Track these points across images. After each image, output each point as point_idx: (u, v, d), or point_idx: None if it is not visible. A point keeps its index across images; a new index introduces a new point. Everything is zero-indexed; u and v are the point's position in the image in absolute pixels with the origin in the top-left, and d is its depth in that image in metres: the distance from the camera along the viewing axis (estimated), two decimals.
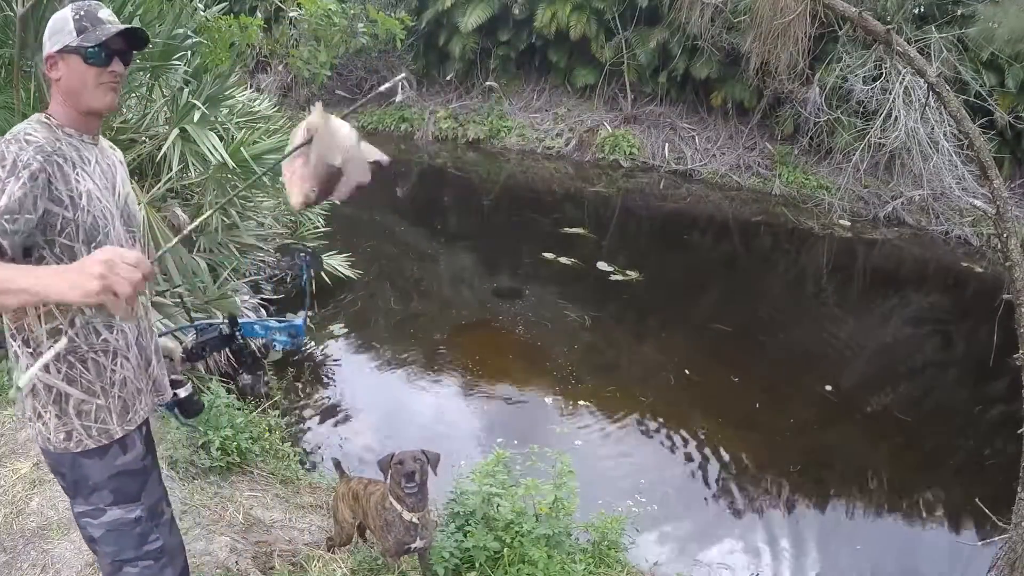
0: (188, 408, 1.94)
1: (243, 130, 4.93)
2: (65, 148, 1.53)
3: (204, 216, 1.59)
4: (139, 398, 1.72)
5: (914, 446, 5.27)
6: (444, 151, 13.26)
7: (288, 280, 6.24)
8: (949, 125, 9.20)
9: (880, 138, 9.58)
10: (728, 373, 5.99)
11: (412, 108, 14.00)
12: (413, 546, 2.54)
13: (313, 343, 5.94)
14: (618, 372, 6.09)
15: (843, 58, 10.04)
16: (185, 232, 1.52)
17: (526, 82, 14.09)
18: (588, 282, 7.78)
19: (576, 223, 9.88)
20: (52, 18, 1.56)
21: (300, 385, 5.31)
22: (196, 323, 2.06)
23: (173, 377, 1.91)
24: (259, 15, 9.90)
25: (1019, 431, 3.38)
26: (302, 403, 5.14)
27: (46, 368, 1.55)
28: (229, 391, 3.85)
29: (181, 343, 2.08)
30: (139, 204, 2.60)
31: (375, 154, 1.39)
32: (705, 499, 4.57)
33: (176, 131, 4.35)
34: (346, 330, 6.29)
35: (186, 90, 4.56)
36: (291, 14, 8.69)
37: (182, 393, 1.90)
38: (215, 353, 3.03)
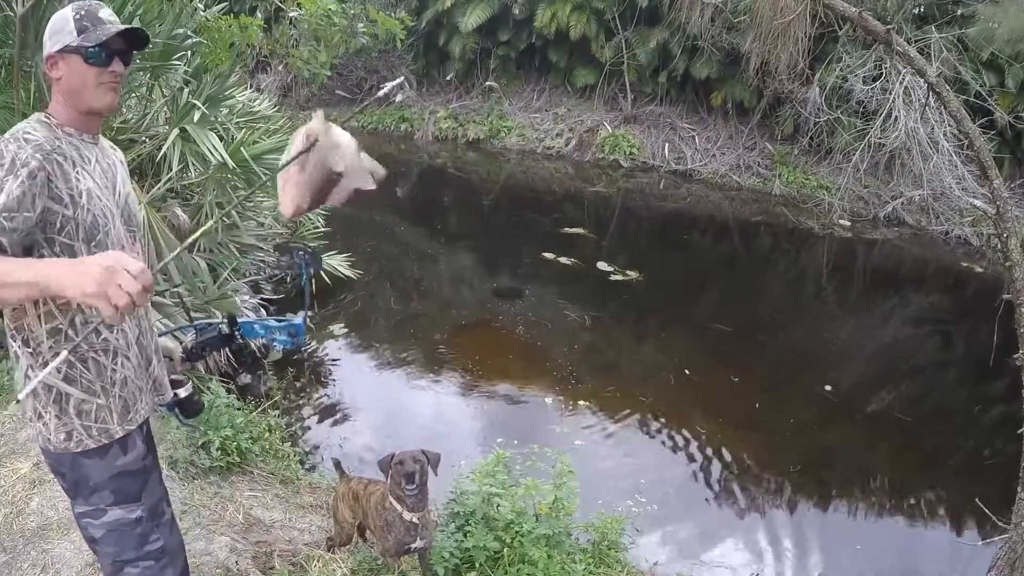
0: (188, 408, 1.94)
1: (243, 130, 4.94)
2: (65, 147, 1.53)
3: (207, 226, 1.59)
4: (140, 397, 1.72)
5: (914, 446, 5.27)
6: (444, 151, 13.26)
7: (288, 280, 6.25)
8: (949, 125, 9.20)
9: (880, 138, 9.57)
10: (728, 373, 5.99)
11: (412, 108, 14.01)
12: (413, 546, 2.54)
13: (313, 343, 5.94)
14: (618, 372, 6.09)
15: (843, 58, 10.04)
16: (188, 242, 1.52)
17: (526, 82, 14.09)
18: (588, 282, 7.78)
19: (576, 223, 9.88)
20: (53, 18, 1.56)
21: (300, 385, 5.31)
22: (195, 323, 2.05)
23: (173, 377, 1.91)
24: (259, 15, 9.90)
25: (1019, 431, 3.38)
26: (302, 403, 5.13)
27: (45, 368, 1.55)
28: (229, 391, 3.85)
29: (181, 343, 2.08)
30: (139, 204, 2.60)
31: (373, 167, 1.39)
32: (705, 499, 4.57)
33: (176, 131, 4.35)
34: (346, 330, 6.29)
35: (186, 90, 4.57)
36: (291, 14, 8.69)
37: (182, 393, 1.90)
38: (215, 353, 3.03)
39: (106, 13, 1.56)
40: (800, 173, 11.31)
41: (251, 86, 10.49)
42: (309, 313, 5.55)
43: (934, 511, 4.63)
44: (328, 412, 5.08)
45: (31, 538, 2.70)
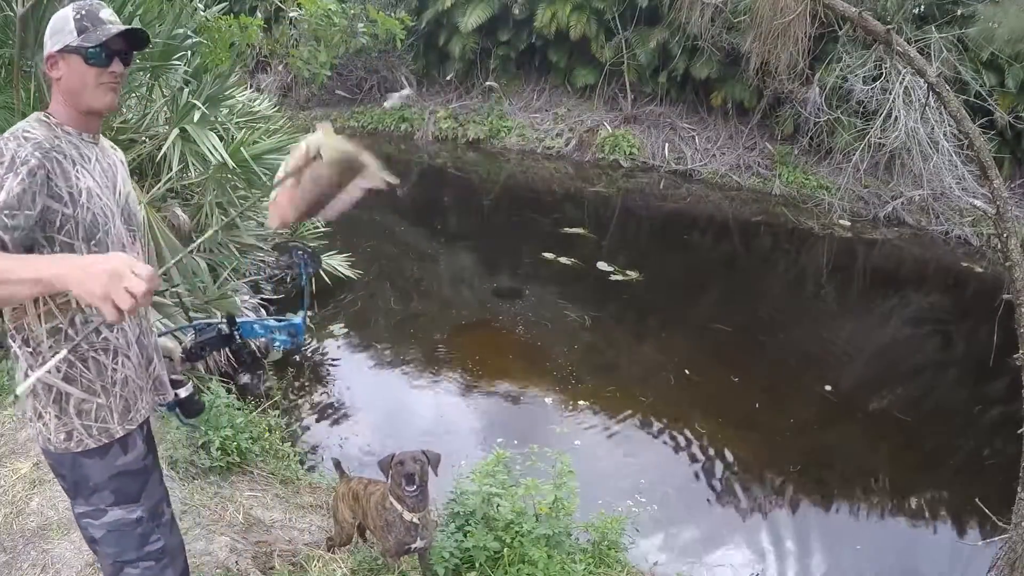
0: (189, 408, 1.93)
1: (243, 130, 4.94)
2: (64, 145, 1.53)
3: (211, 232, 1.59)
4: (140, 397, 1.72)
5: (914, 446, 5.27)
6: (444, 151, 13.26)
7: (288, 280, 6.24)
8: (949, 125, 9.19)
9: (880, 138, 9.57)
10: (728, 373, 5.99)
11: (412, 108, 14.00)
12: (413, 546, 2.54)
13: (313, 343, 5.94)
14: (618, 372, 6.09)
15: (843, 58, 10.03)
16: (193, 246, 1.52)
17: (526, 82, 14.08)
18: (588, 282, 7.78)
19: (576, 223, 9.88)
20: (53, 18, 1.56)
21: (300, 385, 5.31)
22: (195, 323, 2.05)
23: (173, 377, 1.91)
24: (259, 15, 9.90)
25: (1019, 431, 3.38)
26: (302, 403, 5.13)
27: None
28: (229, 391, 3.85)
29: (180, 343, 2.07)
30: (139, 204, 2.59)
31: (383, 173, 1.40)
32: (705, 499, 4.57)
33: (176, 131, 4.35)
34: (346, 330, 6.29)
35: (186, 90, 4.56)
36: (291, 14, 8.70)
37: (183, 393, 1.90)
38: (214, 353, 3.03)
39: (106, 13, 1.56)
40: (800, 173, 11.31)
41: (251, 86, 10.49)
42: (309, 313, 5.54)
43: (934, 511, 4.63)
44: (328, 412, 5.08)
45: (31, 538, 2.70)
